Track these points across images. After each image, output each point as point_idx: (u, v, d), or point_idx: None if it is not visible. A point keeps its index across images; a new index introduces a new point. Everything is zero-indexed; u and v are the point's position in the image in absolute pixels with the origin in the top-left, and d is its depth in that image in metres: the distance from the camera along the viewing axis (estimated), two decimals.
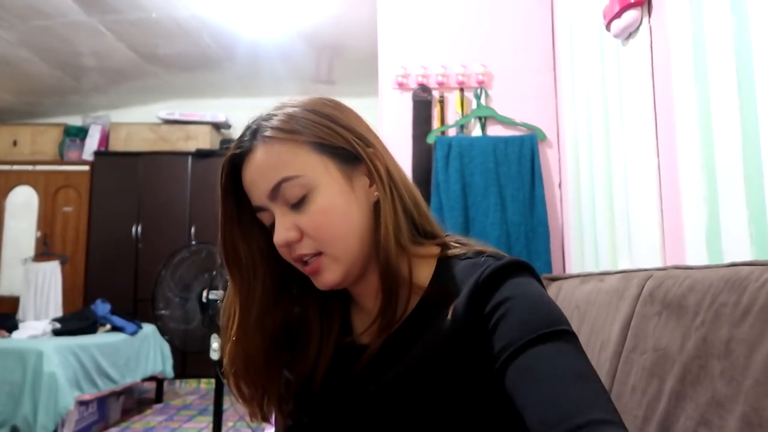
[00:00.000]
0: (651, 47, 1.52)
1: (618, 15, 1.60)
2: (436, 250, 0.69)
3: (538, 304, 0.58)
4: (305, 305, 0.72)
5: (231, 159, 0.66)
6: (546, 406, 0.50)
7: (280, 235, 0.63)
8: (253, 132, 0.65)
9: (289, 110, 0.65)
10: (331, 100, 0.69)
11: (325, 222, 0.62)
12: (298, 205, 0.63)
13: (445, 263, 0.66)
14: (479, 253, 0.65)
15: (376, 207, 0.65)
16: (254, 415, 0.70)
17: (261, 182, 0.63)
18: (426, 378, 0.60)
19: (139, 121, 4.92)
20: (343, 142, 0.64)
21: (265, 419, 0.71)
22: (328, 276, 0.64)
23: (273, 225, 0.65)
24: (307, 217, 0.62)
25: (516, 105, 2.34)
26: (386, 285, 0.64)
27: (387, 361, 0.63)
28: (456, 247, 0.68)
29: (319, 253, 0.63)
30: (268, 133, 0.63)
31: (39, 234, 4.70)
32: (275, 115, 0.65)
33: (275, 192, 0.62)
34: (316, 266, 0.64)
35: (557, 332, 0.55)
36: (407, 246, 0.65)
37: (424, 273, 0.66)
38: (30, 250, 4.68)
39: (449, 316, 0.60)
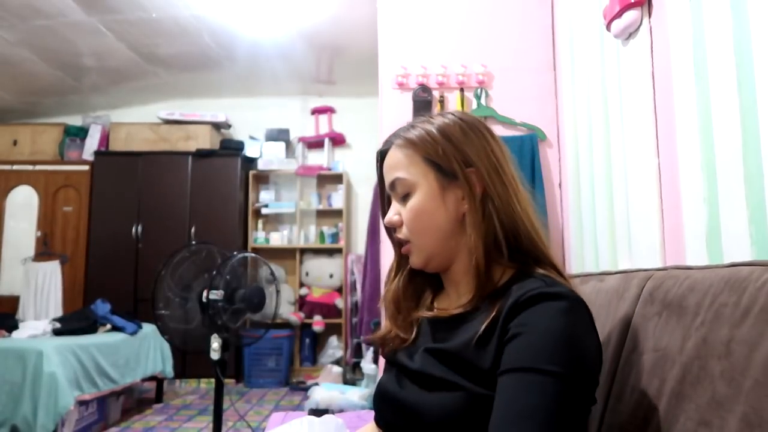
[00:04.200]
0: (651, 47, 1.52)
1: (618, 15, 1.60)
2: (521, 263, 0.80)
3: (554, 339, 0.65)
4: (413, 277, 0.90)
5: (380, 153, 0.88)
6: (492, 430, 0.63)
7: (387, 216, 0.85)
8: (392, 136, 0.86)
9: (420, 127, 0.83)
10: (469, 121, 0.84)
11: (414, 217, 0.81)
12: (405, 198, 0.82)
13: (520, 274, 0.78)
14: (547, 276, 0.75)
15: (465, 217, 0.79)
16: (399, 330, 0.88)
17: (387, 176, 0.85)
18: (464, 355, 0.73)
19: (139, 121, 4.92)
20: (445, 160, 0.79)
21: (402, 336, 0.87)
22: (414, 259, 0.84)
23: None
24: (407, 209, 0.82)
25: (516, 105, 2.34)
26: (473, 275, 0.78)
27: (448, 331, 0.79)
28: (533, 265, 0.79)
29: (408, 242, 0.83)
30: (397, 141, 0.84)
31: (39, 234, 4.70)
32: (412, 127, 0.84)
33: (392, 186, 0.83)
34: (407, 249, 0.84)
35: (552, 372, 0.62)
36: (492, 254, 0.78)
37: (502, 276, 0.79)
38: (30, 249, 4.68)
39: (493, 314, 0.72)
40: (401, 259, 0.90)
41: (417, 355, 0.80)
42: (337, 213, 4.95)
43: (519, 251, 0.79)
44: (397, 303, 0.89)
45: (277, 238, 4.88)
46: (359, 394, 2.83)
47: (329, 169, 4.94)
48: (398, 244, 0.88)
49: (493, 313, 0.72)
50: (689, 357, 0.73)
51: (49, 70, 4.34)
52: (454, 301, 0.83)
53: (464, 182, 0.79)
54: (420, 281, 0.90)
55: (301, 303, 4.83)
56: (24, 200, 4.76)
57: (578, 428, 0.64)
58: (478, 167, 0.79)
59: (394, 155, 0.83)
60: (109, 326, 3.44)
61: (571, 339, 0.66)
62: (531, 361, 0.63)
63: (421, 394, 0.75)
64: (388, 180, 0.84)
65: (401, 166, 0.82)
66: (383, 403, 0.84)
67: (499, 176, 0.80)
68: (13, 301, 4.55)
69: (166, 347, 3.80)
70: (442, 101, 2.36)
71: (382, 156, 0.87)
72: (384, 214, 0.88)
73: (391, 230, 0.86)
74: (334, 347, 4.79)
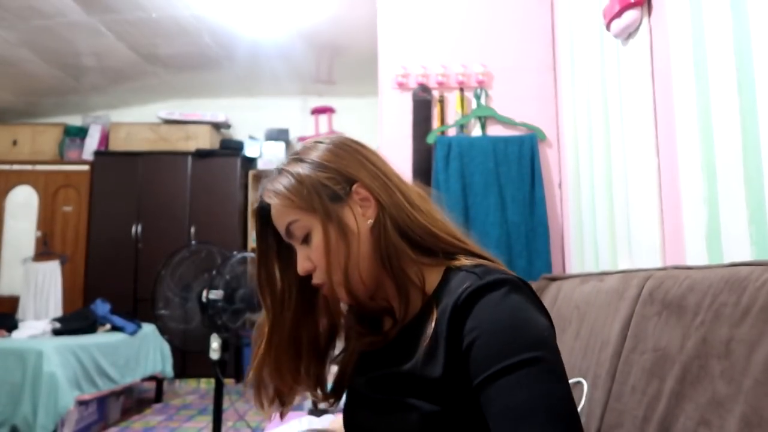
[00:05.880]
0: (651, 47, 1.52)
1: (618, 15, 1.60)
2: (443, 260, 0.78)
3: (504, 331, 0.65)
4: (336, 316, 0.87)
5: (257, 210, 0.84)
6: None
7: (299, 266, 0.79)
8: (265, 191, 0.81)
9: (288, 170, 0.79)
10: (336, 141, 0.82)
11: (321, 256, 0.76)
12: (306, 241, 0.78)
13: (449, 273, 0.76)
14: (476, 266, 0.73)
15: (373, 230, 0.77)
16: (264, 411, 0.84)
17: (279, 226, 0.80)
18: (412, 371, 0.71)
19: (139, 121, 4.92)
20: (327, 189, 0.77)
21: (283, 405, 0.86)
22: (344, 299, 0.78)
23: None
24: (314, 249, 0.77)
25: (516, 105, 2.34)
26: (398, 290, 0.77)
27: (394, 353, 0.76)
28: (459, 258, 0.77)
29: (326, 283, 0.77)
30: (270, 194, 0.79)
31: (39, 234, 4.70)
32: (280, 174, 0.80)
33: (289, 233, 0.79)
34: (328, 292, 0.78)
35: (519, 363, 0.62)
36: (415, 257, 0.77)
37: (432, 280, 0.77)
38: (30, 249, 4.68)
39: (433, 323, 0.71)
40: (309, 308, 0.85)
41: (364, 380, 0.80)
42: None
43: (435, 249, 0.79)
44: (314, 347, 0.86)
45: None
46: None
47: None
48: (302, 294, 0.84)
49: (434, 322, 0.71)
50: (689, 357, 0.73)
51: (49, 70, 4.33)
52: (393, 325, 0.80)
53: (354, 198, 0.78)
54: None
55: None
56: (24, 200, 4.76)
57: (570, 394, 0.64)
58: (361, 179, 0.78)
59: (276, 206, 0.79)
60: (108, 326, 3.44)
61: (522, 321, 0.66)
62: (498, 361, 0.63)
63: (374, 418, 0.75)
64: (282, 229, 0.80)
65: (288, 212, 0.78)
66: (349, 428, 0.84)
67: (383, 181, 0.79)
68: (13, 301, 4.55)
69: (166, 347, 3.80)
70: (441, 101, 2.36)
71: (261, 213, 0.83)
72: (268, 273, 0.84)
73: (302, 282, 0.82)
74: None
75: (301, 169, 0.79)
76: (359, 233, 0.77)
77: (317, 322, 0.86)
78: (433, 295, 0.75)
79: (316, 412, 2.04)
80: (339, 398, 0.86)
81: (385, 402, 0.74)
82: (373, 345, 0.81)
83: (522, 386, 0.61)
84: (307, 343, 0.85)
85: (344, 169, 0.79)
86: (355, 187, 0.78)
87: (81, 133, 4.91)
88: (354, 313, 0.86)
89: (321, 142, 0.82)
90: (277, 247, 0.85)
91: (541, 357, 0.63)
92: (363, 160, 0.81)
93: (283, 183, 0.79)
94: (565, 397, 0.62)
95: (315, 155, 0.80)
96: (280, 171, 0.81)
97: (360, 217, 0.78)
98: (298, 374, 0.84)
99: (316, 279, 0.79)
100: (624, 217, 1.67)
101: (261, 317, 0.85)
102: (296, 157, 0.81)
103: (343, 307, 0.87)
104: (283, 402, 0.85)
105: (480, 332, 0.66)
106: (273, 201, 0.79)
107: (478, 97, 2.35)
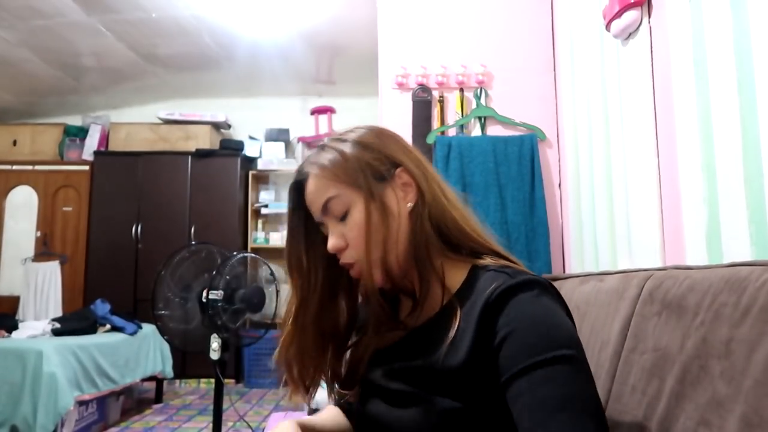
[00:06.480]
0: (651, 47, 1.52)
1: (618, 15, 1.60)
2: (469, 258, 0.79)
3: (538, 328, 0.65)
4: (354, 307, 0.87)
5: (294, 185, 0.83)
6: None
7: (330, 243, 0.78)
8: (307, 165, 0.81)
9: (332, 147, 0.80)
10: (379, 128, 0.84)
11: (360, 233, 0.76)
12: (343, 218, 0.77)
13: (475, 271, 0.77)
14: (504, 266, 0.74)
15: (411, 215, 0.78)
16: (297, 392, 0.84)
17: (316, 201, 0.79)
18: (433, 364, 0.71)
19: (139, 121, 4.92)
20: (371, 167, 0.78)
21: (306, 392, 0.85)
22: (368, 280, 0.76)
23: None
24: (348, 228, 0.77)
25: (516, 105, 2.34)
26: (421, 280, 0.77)
27: (414, 347, 0.76)
28: (485, 258, 0.78)
29: (357, 262, 0.77)
30: (313, 168, 0.79)
31: (39, 234, 4.70)
32: (323, 150, 0.80)
33: (326, 209, 0.78)
34: (357, 271, 0.78)
35: (553, 358, 0.63)
36: (442, 250, 0.78)
37: (457, 277, 0.77)
38: (30, 250, 4.68)
39: (458, 320, 0.71)
40: (335, 291, 0.85)
41: (380, 372, 0.79)
42: None
43: (462, 246, 0.80)
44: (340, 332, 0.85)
45: (277, 238, 4.87)
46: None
47: None
48: (330, 276, 0.84)
49: (458, 319, 0.71)
50: (689, 357, 0.73)
51: (49, 70, 4.33)
52: (412, 311, 0.80)
53: (397, 181, 0.78)
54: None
55: None
56: (24, 200, 4.76)
57: (598, 394, 0.65)
58: (405, 164, 0.79)
59: (317, 181, 0.79)
60: (108, 326, 3.44)
61: (554, 319, 0.67)
62: (532, 356, 0.63)
63: (391, 410, 0.75)
64: (318, 205, 0.78)
65: (329, 187, 0.77)
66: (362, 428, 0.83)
67: (423, 171, 0.81)
68: (13, 301, 4.55)
69: (166, 347, 3.80)
70: (441, 101, 2.36)
71: (297, 188, 0.83)
72: (297, 252, 0.83)
73: (329, 262, 0.82)
74: None
75: (346, 147, 0.79)
76: (399, 216, 0.77)
77: (339, 312, 0.86)
78: (458, 293, 0.75)
79: (316, 412, 2.03)
80: (351, 389, 0.85)
81: (403, 394, 0.73)
82: (390, 331, 0.80)
83: (556, 381, 0.62)
84: (329, 330, 0.84)
85: (389, 151, 0.80)
86: (398, 170, 0.79)
87: (81, 133, 4.91)
88: (376, 299, 0.81)
89: (360, 127, 0.83)
90: (306, 226, 0.84)
91: (574, 356, 0.64)
92: (404, 147, 0.83)
93: (328, 157, 0.79)
94: (595, 396, 0.64)
95: (358, 136, 0.81)
96: (324, 147, 0.81)
97: (401, 200, 0.78)
98: (319, 358, 0.84)
99: (347, 258, 0.78)
100: (624, 217, 1.67)
101: (289, 296, 0.85)
102: (338, 138, 0.82)
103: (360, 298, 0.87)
104: (306, 387, 0.85)
105: (514, 328, 0.66)
106: (316, 173, 0.78)
107: (477, 97, 2.35)
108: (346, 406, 0.91)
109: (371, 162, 0.78)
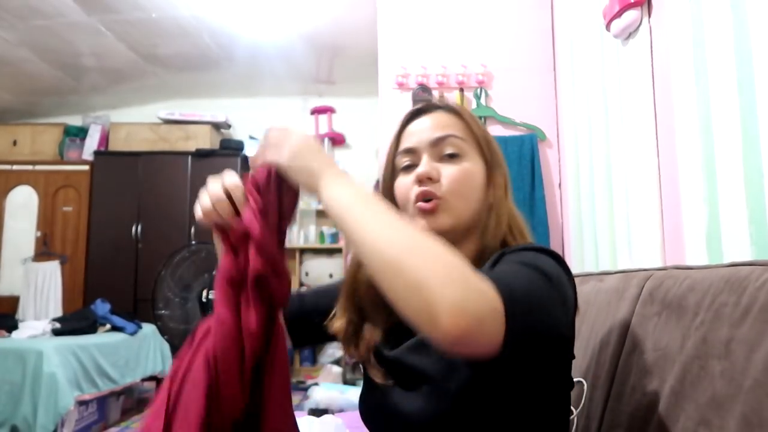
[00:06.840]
0: (651, 47, 1.52)
1: (618, 15, 1.60)
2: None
3: (533, 255, 0.66)
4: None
5: (418, 111, 0.84)
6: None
7: (425, 167, 0.78)
8: (441, 102, 0.84)
9: (464, 109, 0.84)
10: None
11: (462, 180, 0.77)
12: (449, 157, 0.78)
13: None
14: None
15: (492, 207, 0.80)
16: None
17: (432, 131, 0.80)
18: None
19: (139, 121, 4.92)
20: (489, 151, 0.81)
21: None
22: (440, 219, 0.76)
23: (408, 168, 0.80)
24: (453, 169, 0.78)
25: (516, 105, 2.34)
26: (471, 257, 0.77)
27: None
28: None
29: (440, 198, 0.77)
30: (450, 108, 0.82)
31: (39, 234, 4.70)
32: (456, 106, 0.84)
33: (439, 142, 0.79)
34: (434, 206, 0.77)
35: (538, 267, 0.61)
36: (491, 234, 0.79)
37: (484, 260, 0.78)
38: (30, 250, 4.68)
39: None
40: None
41: (394, 352, 0.77)
42: None
43: (506, 239, 0.81)
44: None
45: None
46: (359, 394, 2.82)
47: None
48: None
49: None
50: (689, 357, 0.73)
51: (49, 70, 4.33)
52: None
53: (494, 180, 0.81)
54: None
55: None
56: (24, 200, 4.75)
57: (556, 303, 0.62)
58: (503, 168, 0.83)
59: (449, 117, 0.81)
60: (108, 326, 3.44)
61: (550, 267, 0.64)
62: (518, 257, 0.65)
63: (405, 395, 0.73)
64: (435, 135, 0.79)
65: (458, 128, 0.80)
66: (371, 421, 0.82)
67: (507, 178, 0.84)
68: (13, 301, 4.55)
69: (166, 347, 3.79)
70: None
71: (418, 114, 0.83)
72: (389, 184, 0.83)
73: (416, 189, 0.79)
74: (334, 347, 4.78)
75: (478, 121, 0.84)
76: (483, 199, 0.79)
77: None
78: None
79: (316, 412, 2.03)
80: (368, 362, 0.82)
81: (416, 371, 0.72)
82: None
83: (528, 274, 0.60)
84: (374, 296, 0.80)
85: (498, 156, 0.84)
86: (497, 172, 0.82)
87: (81, 133, 4.91)
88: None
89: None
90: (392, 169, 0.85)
91: (552, 279, 0.61)
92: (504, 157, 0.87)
93: (468, 111, 0.84)
94: (548, 296, 0.60)
95: (481, 125, 0.86)
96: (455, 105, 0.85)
97: (492, 190, 0.80)
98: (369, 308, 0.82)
99: (434, 189, 0.77)
100: (624, 217, 1.67)
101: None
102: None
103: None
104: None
105: (512, 256, 0.66)
106: (452, 110, 0.82)
107: (478, 97, 2.35)
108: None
109: (493, 145, 0.83)
